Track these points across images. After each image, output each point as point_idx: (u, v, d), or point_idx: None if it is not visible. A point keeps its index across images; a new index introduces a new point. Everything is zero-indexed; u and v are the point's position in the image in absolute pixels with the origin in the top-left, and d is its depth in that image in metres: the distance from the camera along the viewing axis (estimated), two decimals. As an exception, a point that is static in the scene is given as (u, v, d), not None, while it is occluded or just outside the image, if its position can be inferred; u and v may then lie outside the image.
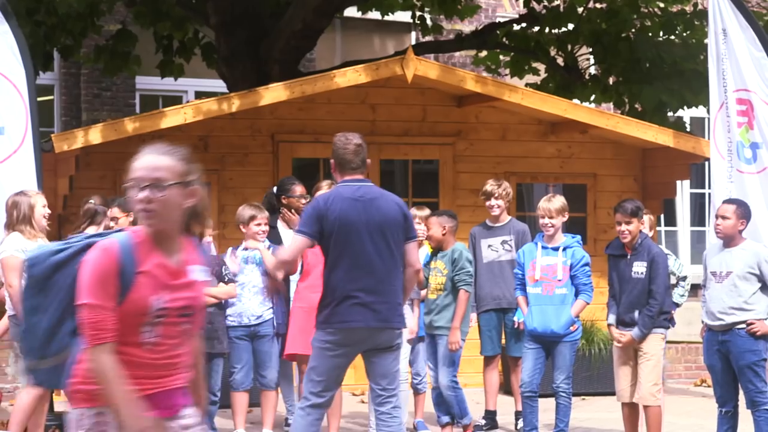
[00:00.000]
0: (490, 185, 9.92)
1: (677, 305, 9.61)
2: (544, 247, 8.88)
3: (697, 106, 14.17)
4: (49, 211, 8.54)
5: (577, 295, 8.81)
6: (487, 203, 9.94)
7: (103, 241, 4.00)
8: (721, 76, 10.54)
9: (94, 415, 3.96)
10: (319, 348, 7.04)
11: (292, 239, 7.27)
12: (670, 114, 14.54)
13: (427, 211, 9.69)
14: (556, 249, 8.84)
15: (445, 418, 9.15)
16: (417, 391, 9.65)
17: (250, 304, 9.06)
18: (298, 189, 9.59)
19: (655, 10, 14.90)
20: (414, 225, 7.31)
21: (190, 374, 4.16)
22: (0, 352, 10.86)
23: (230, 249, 9.28)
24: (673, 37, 14.75)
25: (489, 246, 9.91)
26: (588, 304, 8.90)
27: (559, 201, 8.91)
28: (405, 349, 9.09)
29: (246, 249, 9.17)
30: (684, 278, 9.72)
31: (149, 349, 3.97)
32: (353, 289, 6.94)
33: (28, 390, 8.24)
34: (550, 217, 8.84)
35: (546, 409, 9.38)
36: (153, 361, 3.98)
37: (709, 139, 11.66)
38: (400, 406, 7.28)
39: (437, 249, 9.14)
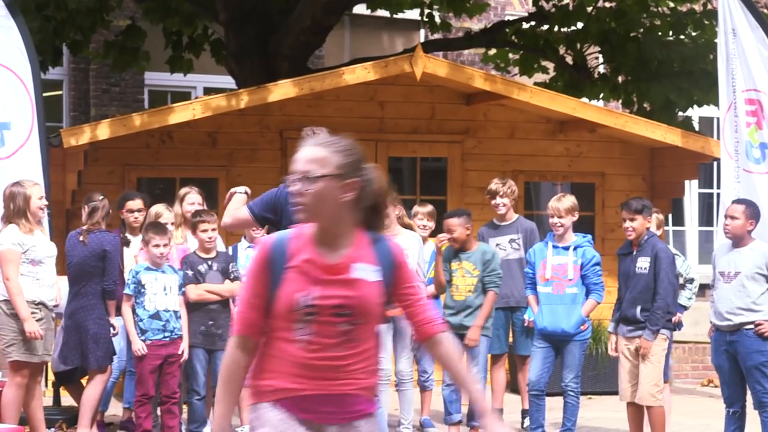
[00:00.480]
0: (494, 184, 9.92)
1: (685, 308, 9.56)
2: (554, 247, 8.88)
3: (708, 104, 14.14)
4: (46, 203, 8.50)
5: (587, 294, 8.82)
6: (493, 202, 9.93)
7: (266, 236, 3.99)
8: (730, 75, 10.52)
9: (252, 411, 3.91)
10: None
11: (241, 207, 7.26)
12: (679, 113, 14.50)
13: (429, 207, 9.69)
14: (566, 248, 8.84)
15: (457, 417, 9.16)
16: (424, 389, 9.65)
17: None
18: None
19: (665, 9, 14.88)
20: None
21: (372, 381, 3.95)
22: None
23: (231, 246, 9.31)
24: (682, 36, 14.73)
25: (497, 245, 9.90)
26: (599, 303, 8.91)
27: (569, 200, 8.90)
28: (407, 349, 9.10)
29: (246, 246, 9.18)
30: (691, 280, 9.64)
31: (303, 348, 3.83)
32: None
33: (10, 383, 8.26)
34: (560, 217, 8.84)
35: (552, 408, 9.37)
36: (309, 360, 3.83)
37: (718, 138, 11.65)
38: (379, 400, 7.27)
39: (460, 250, 9.14)
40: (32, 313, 8.20)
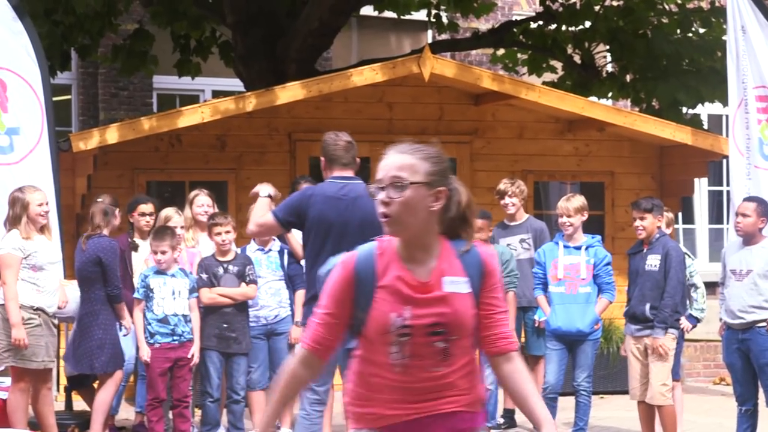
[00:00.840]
0: (503, 184, 9.92)
1: (697, 320, 9.40)
2: (566, 246, 8.88)
3: (712, 101, 14.11)
4: (47, 209, 8.46)
5: (599, 293, 8.82)
6: (502, 202, 9.93)
7: (347, 253, 3.80)
8: (740, 73, 10.51)
9: None
10: None
11: (266, 213, 7.25)
12: (686, 111, 14.47)
13: None
14: (578, 248, 8.84)
15: None
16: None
17: (267, 304, 9.06)
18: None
19: (672, 7, 14.86)
20: None
21: (474, 395, 3.77)
22: None
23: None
24: (689, 34, 14.71)
25: (508, 245, 9.89)
26: (611, 302, 8.92)
27: (579, 200, 8.90)
28: None
29: (260, 249, 9.17)
30: (695, 286, 9.33)
31: (401, 371, 3.67)
32: None
33: (13, 389, 8.26)
34: (569, 216, 8.84)
35: (564, 407, 9.36)
36: (409, 384, 3.68)
37: (727, 136, 11.63)
38: None
39: None
40: (30, 319, 8.19)
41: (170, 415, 8.94)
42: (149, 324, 8.60)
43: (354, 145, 7.25)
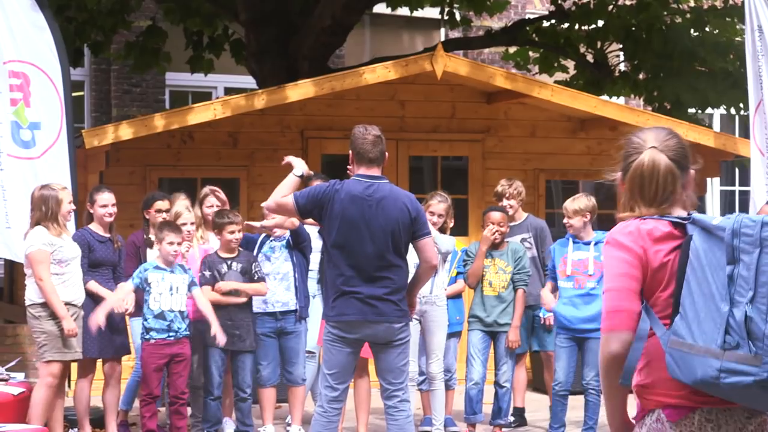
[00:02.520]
0: (500, 186, 9.90)
1: None
2: (575, 242, 8.89)
3: (718, 107, 14.09)
4: (74, 207, 8.55)
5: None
6: (500, 204, 9.90)
7: None
8: (757, 73, 10.49)
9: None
10: (326, 340, 7.13)
11: (289, 194, 7.10)
12: (696, 111, 14.44)
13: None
14: (587, 243, 8.85)
15: (480, 416, 9.17)
16: (447, 388, 9.63)
17: (275, 291, 9.04)
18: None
19: (686, 6, 14.84)
20: (425, 222, 7.23)
21: None
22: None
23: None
24: (702, 34, 14.68)
25: None
26: None
27: (581, 202, 8.88)
28: (437, 350, 9.08)
29: (271, 238, 9.13)
30: None
31: None
32: (351, 285, 6.97)
33: (40, 384, 8.30)
34: (568, 217, 8.89)
35: (574, 406, 9.35)
36: None
37: (740, 136, 11.61)
38: (408, 400, 7.29)
39: (492, 247, 9.17)
40: None
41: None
42: (146, 319, 8.59)
43: (382, 140, 7.14)
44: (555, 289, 8.98)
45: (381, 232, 6.95)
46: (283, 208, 7.15)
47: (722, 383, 3.25)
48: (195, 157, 11.70)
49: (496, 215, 9.22)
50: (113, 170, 11.08)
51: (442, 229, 9.13)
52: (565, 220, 8.94)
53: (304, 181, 7.54)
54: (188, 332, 8.67)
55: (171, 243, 8.55)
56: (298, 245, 9.04)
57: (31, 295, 8.33)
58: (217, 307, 8.75)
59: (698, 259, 3.39)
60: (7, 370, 8.75)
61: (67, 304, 8.30)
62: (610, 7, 14.70)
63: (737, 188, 16.94)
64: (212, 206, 9.40)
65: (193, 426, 8.99)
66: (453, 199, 9.56)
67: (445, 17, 15.60)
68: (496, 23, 17.10)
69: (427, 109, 12.29)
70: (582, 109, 11.89)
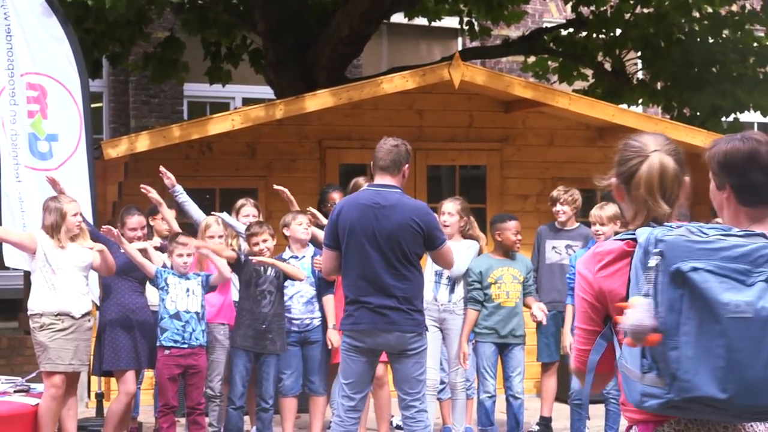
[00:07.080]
0: (556, 191, 9.94)
1: None
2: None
3: (749, 107, 14.02)
4: (81, 220, 8.51)
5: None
6: (553, 208, 9.92)
7: None
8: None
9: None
10: (342, 350, 7.18)
11: (324, 256, 7.36)
12: (731, 118, 14.33)
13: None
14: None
15: (496, 428, 9.14)
16: (466, 397, 9.61)
17: (297, 313, 9.07)
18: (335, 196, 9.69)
19: (704, 12, 14.80)
20: (438, 231, 7.20)
21: None
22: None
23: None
24: (721, 41, 14.64)
25: (553, 248, 9.87)
26: None
27: (611, 209, 8.86)
28: (457, 358, 9.04)
29: (290, 256, 9.16)
30: None
31: None
32: (362, 295, 7.01)
33: (45, 395, 8.32)
34: (602, 224, 8.84)
35: (594, 416, 9.32)
36: None
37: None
38: (426, 410, 7.28)
39: (507, 255, 9.14)
40: (51, 324, 8.25)
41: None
42: (162, 319, 8.64)
43: (398, 150, 7.14)
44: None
45: (385, 239, 6.95)
46: (329, 263, 7.21)
47: (644, 407, 3.21)
48: (213, 168, 11.72)
49: (512, 223, 9.18)
50: (132, 181, 11.08)
51: (464, 234, 9.10)
52: (596, 228, 8.88)
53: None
54: (204, 340, 8.69)
55: (180, 255, 8.64)
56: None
57: (30, 304, 8.36)
58: (251, 309, 8.76)
59: (636, 277, 3.34)
60: (26, 380, 8.76)
61: (60, 314, 8.29)
62: (628, 15, 14.67)
63: (757, 196, 16.81)
64: (248, 216, 9.41)
65: None
66: (471, 208, 9.53)
67: (465, 27, 15.60)
68: (513, 32, 17.09)
69: (445, 119, 12.29)
70: (600, 117, 11.87)
